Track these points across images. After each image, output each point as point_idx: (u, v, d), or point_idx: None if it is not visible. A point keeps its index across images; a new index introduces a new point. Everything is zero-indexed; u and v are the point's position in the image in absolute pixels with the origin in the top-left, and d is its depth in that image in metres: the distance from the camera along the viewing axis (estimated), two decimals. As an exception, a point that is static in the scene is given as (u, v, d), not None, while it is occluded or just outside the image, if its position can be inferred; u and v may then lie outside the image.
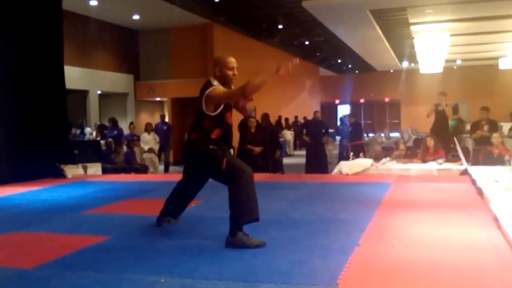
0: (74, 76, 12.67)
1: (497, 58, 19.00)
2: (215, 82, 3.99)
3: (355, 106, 29.78)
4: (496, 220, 4.12)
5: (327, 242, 3.83)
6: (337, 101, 32.89)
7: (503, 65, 19.02)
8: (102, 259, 3.56)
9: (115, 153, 11.11)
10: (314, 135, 10.85)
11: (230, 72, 4.01)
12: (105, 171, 9.67)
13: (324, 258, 3.43)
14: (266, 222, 4.57)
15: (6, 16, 7.93)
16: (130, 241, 4.08)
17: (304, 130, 11.57)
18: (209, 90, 3.92)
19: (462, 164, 8.13)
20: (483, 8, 11.33)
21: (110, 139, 11.92)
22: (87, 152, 9.52)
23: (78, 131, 13.53)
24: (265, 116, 10.91)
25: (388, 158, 8.89)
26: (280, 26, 13.76)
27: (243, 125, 10.40)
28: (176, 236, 4.22)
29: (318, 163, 10.49)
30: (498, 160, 7.71)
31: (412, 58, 19.23)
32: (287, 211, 5.16)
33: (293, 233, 4.14)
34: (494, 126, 9.29)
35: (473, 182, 6.39)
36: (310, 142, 10.80)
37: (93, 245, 3.94)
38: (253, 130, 10.33)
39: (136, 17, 14.79)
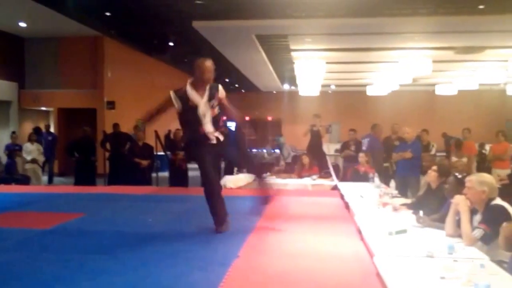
0: None
1: (365, 85, 20.82)
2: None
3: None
4: (359, 232, 4.53)
5: (208, 254, 3.99)
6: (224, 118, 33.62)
7: (370, 92, 20.97)
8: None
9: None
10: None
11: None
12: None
13: (204, 269, 3.56)
14: (151, 235, 4.68)
15: None
16: (5, 257, 3.96)
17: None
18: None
19: (333, 180, 8.77)
20: (354, 40, 12.20)
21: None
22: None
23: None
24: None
25: (268, 173, 9.22)
26: (171, 43, 13.77)
27: None
28: (56, 251, 4.15)
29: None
30: (363, 177, 8.19)
31: (293, 81, 20.17)
32: (172, 224, 5.29)
33: (175, 246, 4.24)
34: (360, 147, 9.85)
35: (342, 196, 6.89)
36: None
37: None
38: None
39: (22, 24, 14.02)
